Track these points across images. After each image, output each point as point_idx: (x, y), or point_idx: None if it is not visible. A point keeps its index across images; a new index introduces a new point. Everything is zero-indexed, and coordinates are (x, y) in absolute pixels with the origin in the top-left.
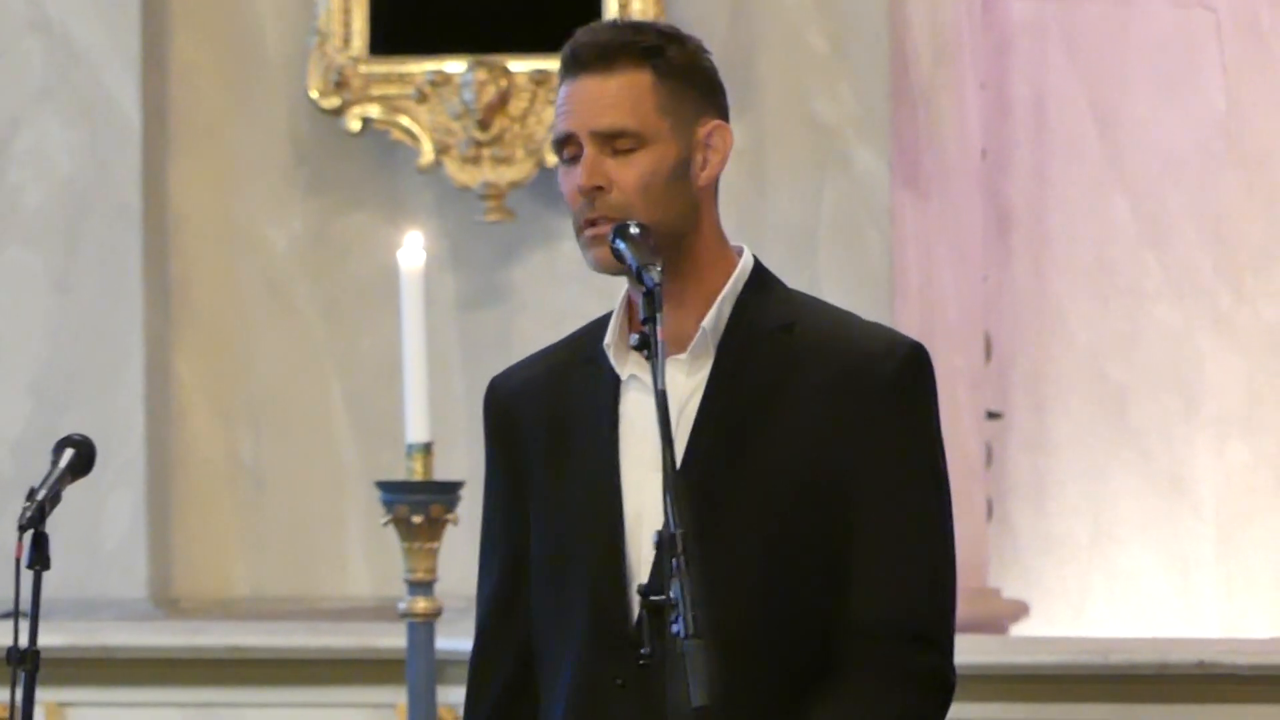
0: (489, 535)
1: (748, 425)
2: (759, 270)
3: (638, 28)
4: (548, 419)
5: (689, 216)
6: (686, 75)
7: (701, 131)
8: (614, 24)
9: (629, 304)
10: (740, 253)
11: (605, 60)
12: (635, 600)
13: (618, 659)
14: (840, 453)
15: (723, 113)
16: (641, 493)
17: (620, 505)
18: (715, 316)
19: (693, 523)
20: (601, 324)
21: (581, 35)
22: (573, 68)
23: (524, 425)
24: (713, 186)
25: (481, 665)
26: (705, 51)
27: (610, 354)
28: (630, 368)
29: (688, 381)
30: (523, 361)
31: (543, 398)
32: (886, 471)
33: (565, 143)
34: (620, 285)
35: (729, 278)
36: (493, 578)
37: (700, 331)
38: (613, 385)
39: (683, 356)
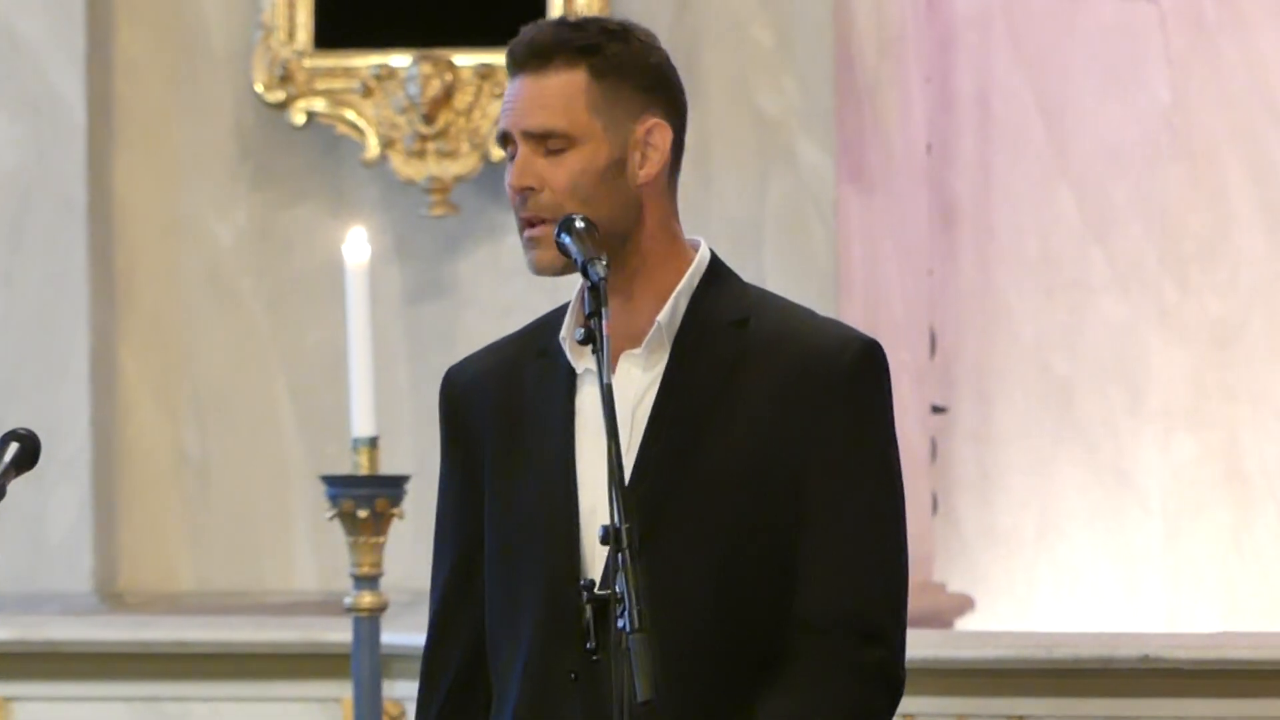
0: (442, 526)
1: (701, 421)
2: (715, 265)
3: (579, 25)
4: (502, 411)
5: (628, 215)
6: (624, 73)
7: (640, 129)
8: (556, 22)
9: (583, 298)
10: (697, 247)
11: (540, 59)
12: (584, 595)
13: (570, 652)
14: (793, 448)
15: (670, 107)
16: (596, 488)
17: (575, 500)
18: (670, 311)
19: (644, 519)
20: (557, 316)
21: (522, 34)
22: (512, 67)
23: (478, 416)
24: (660, 183)
25: (435, 655)
26: (654, 47)
27: (566, 347)
28: (585, 362)
29: (643, 376)
30: (478, 352)
31: (498, 390)
32: (838, 467)
33: (504, 142)
34: (570, 281)
35: (683, 273)
36: (445, 568)
37: (655, 326)
38: (568, 379)
39: (637, 351)
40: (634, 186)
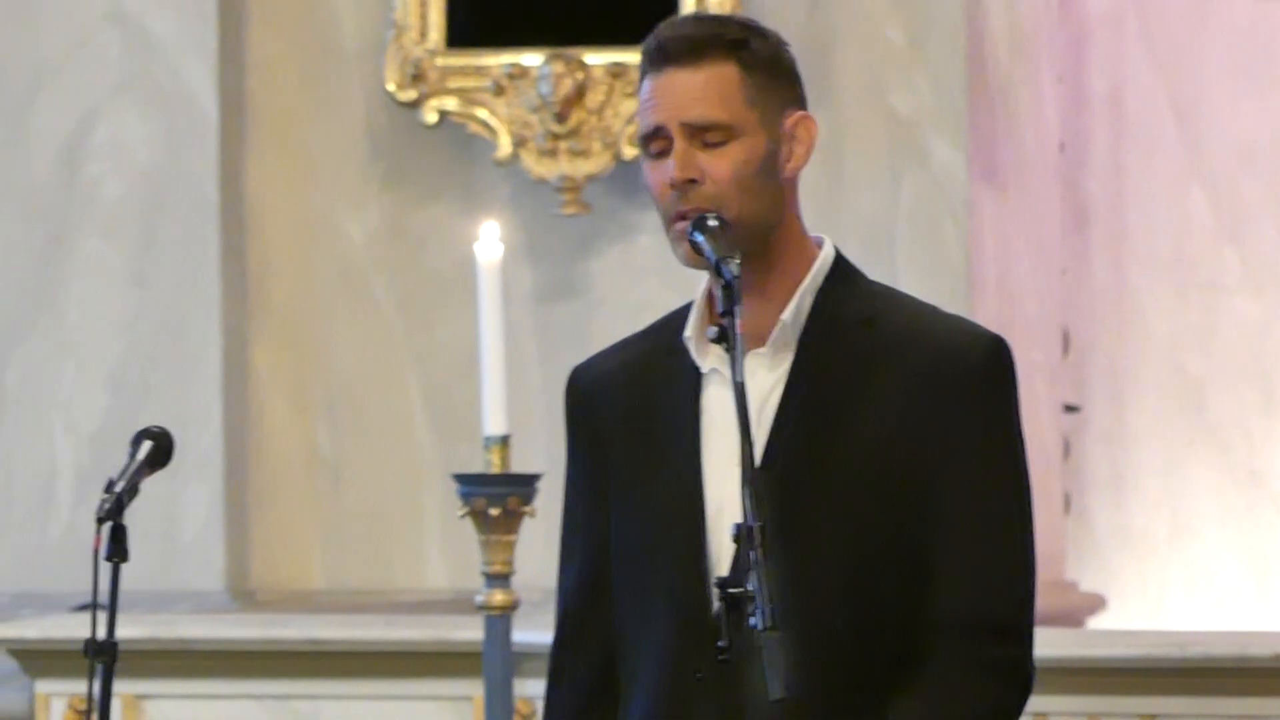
0: (570, 524)
1: (829, 420)
2: (840, 262)
3: (721, 21)
4: (629, 410)
5: (777, 208)
6: (771, 68)
7: (788, 123)
8: (697, 17)
9: (709, 296)
10: (821, 244)
11: (692, 53)
12: (715, 593)
13: (698, 651)
14: (921, 446)
15: (804, 105)
16: (723, 487)
17: (702, 499)
18: (795, 309)
19: (775, 518)
20: (681, 315)
21: (665, 29)
22: (658, 61)
23: (605, 415)
24: (795, 179)
25: (563, 655)
26: (785, 44)
27: (691, 347)
28: (711, 361)
29: (769, 376)
30: (604, 352)
31: (624, 389)
32: (966, 465)
33: (653, 137)
34: (699, 278)
35: (809, 270)
36: (574, 568)
37: (780, 324)
38: (694, 378)
39: (763, 350)
40: (782, 180)
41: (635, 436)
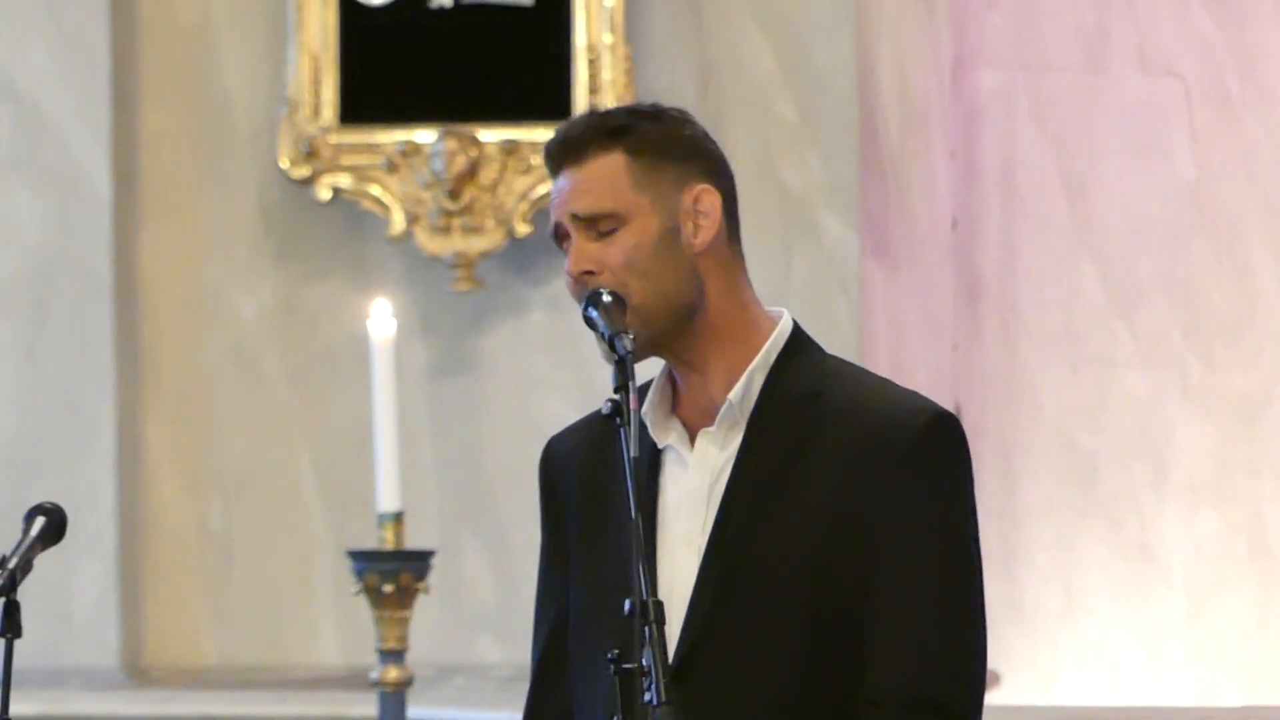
0: (539, 593)
1: (775, 498)
2: (796, 336)
3: (606, 113)
4: (589, 485)
5: (690, 286)
6: (660, 148)
7: (687, 198)
8: (585, 114)
9: (669, 374)
10: (779, 318)
11: (576, 152)
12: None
13: None
14: (865, 520)
15: (715, 174)
16: (675, 567)
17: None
18: (743, 388)
19: (719, 596)
20: (642, 392)
21: (557, 132)
22: (552, 165)
23: (568, 489)
24: (720, 251)
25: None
26: (688, 122)
27: (649, 424)
28: (668, 438)
29: (720, 455)
30: (576, 423)
31: (586, 463)
32: (907, 538)
33: (558, 235)
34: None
35: (758, 345)
36: (540, 641)
37: (727, 404)
38: (651, 455)
39: (713, 429)
40: (691, 256)
41: (594, 511)
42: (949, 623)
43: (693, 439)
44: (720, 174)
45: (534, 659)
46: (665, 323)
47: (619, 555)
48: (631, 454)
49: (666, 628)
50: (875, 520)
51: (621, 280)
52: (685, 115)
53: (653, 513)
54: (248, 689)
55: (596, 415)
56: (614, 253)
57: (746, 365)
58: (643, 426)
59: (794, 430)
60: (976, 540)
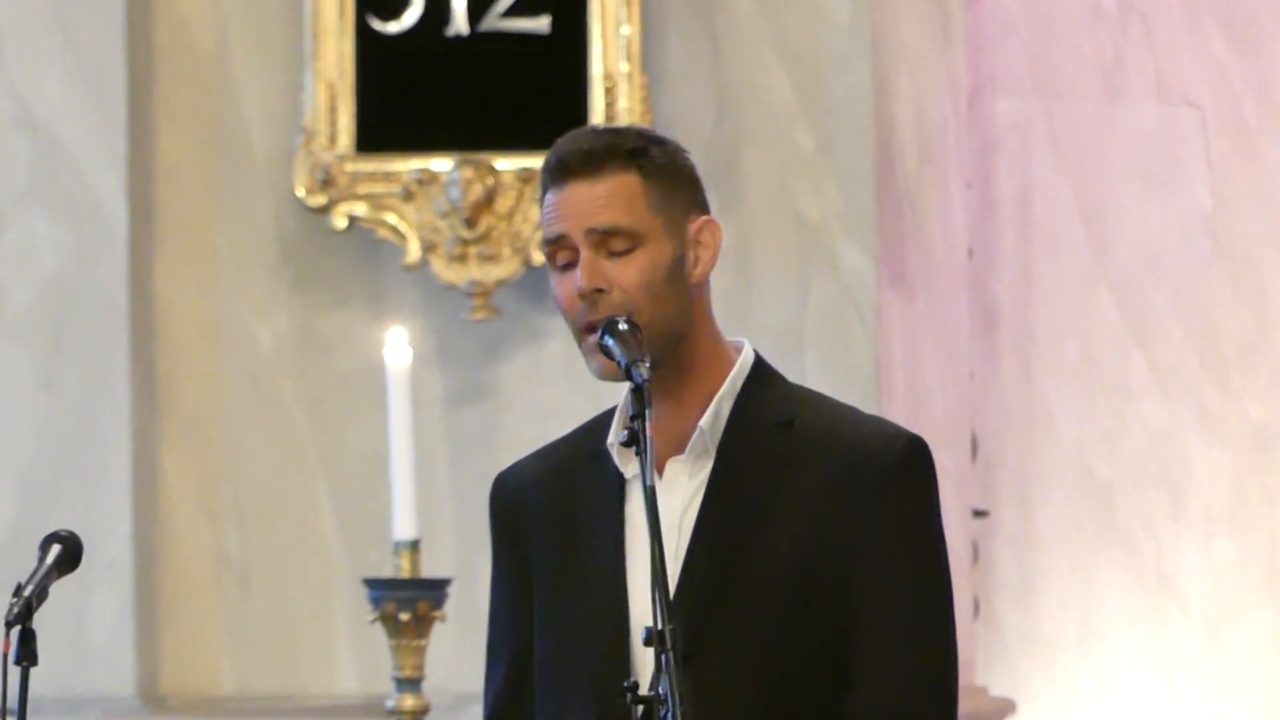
0: (495, 632)
1: (747, 525)
2: (759, 366)
3: (618, 132)
4: (553, 517)
5: (687, 314)
6: (671, 175)
7: (692, 228)
8: (594, 130)
9: (629, 401)
10: (740, 348)
11: (592, 164)
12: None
13: None
14: (838, 548)
15: (707, 209)
16: (647, 594)
17: (626, 608)
18: (713, 415)
19: (693, 625)
20: (605, 420)
21: (563, 143)
22: (559, 175)
23: (529, 522)
24: (705, 283)
25: None
26: (683, 151)
27: (614, 453)
28: (634, 467)
29: (690, 483)
30: (529, 457)
31: (549, 495)
32: (883, 566)
33: (558, 248)
34: (618, 386)
35: (727, 375)
36: (498, 674)
37: (698, 431)
38: (618, 485)
39: (682, 458)
40: (690, 286)
41: (560, 544)
42: (928, 644)
43: (661, 468)
44: (708, 207)
45: (492, 691)
46: (662, 348)
47: (591, 585)
48: (648, 483)
49: (640, 658)
50: (853, 545)
51: (632, 301)
52: (680, 146)
53: (620, 541)
54: (264, 717)
55: (553, 446)
56: (630, 273)
57: (715, 394)
58: (608, 454)
59: (765, 458)
60: (947, 562)
